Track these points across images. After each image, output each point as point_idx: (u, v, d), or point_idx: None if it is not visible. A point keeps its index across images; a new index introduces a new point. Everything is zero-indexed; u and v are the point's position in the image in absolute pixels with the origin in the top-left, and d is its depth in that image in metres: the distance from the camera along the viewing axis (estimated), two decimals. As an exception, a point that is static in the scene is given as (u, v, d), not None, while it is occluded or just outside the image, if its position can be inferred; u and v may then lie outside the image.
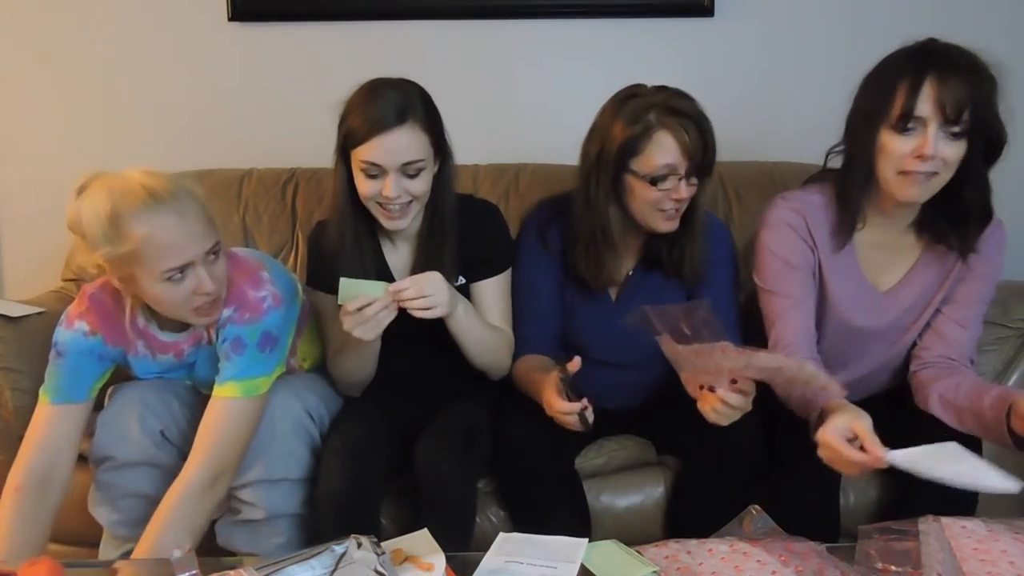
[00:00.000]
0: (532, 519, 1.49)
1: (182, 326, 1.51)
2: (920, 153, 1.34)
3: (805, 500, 1.46)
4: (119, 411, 1.54)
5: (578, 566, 1.14)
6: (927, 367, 1.55)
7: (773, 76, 2.28)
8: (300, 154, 2.19)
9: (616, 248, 1.59)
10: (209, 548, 1.53)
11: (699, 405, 1.30)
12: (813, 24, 2.26)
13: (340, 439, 1.52)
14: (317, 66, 2.29)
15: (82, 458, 1.54)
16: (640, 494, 1.67)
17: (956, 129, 1.34)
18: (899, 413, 1.53)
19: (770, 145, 2.20)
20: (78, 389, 1.49)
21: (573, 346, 1.65)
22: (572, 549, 1.18)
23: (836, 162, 1.53)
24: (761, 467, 1.50)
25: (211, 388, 1.48)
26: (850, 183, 1.46)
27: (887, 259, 1.54)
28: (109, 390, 1.59)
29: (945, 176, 1.38)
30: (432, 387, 1.68)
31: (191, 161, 2.18)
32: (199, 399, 1.60)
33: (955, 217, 1.45)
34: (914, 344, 1.59)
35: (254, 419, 1.47)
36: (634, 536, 1.33)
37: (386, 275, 1.64)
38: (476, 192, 2.03)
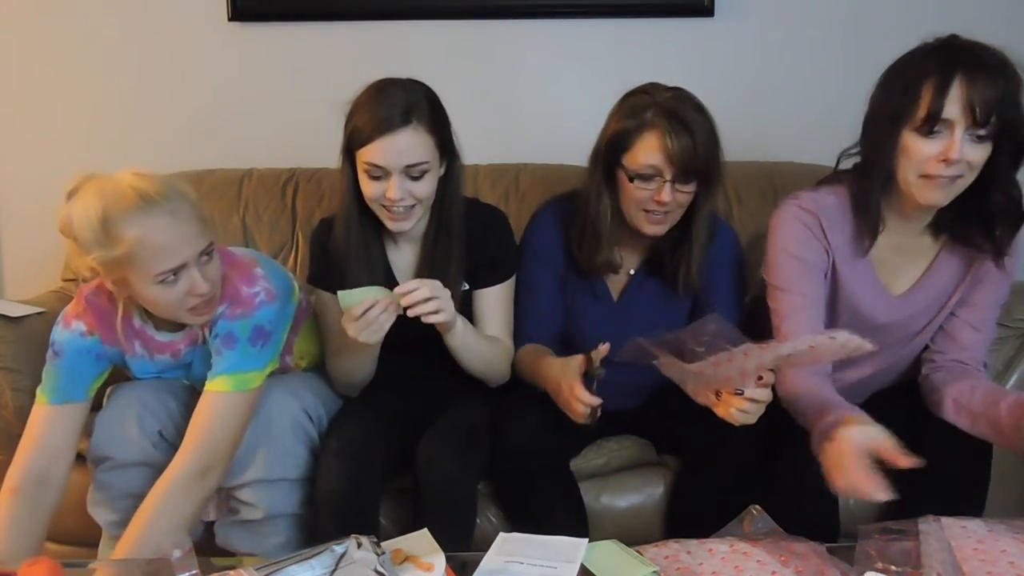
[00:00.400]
0: (528, 521, 1.48)
1: (178, 326, 1.51)
2: (946, 157, 1.29)
3: (805, 500, 1.45)
4: (117, 411, 1.53)
5: (578, 566, 1.14)
6: (940, 370, 1.53)
7: (773, 76, 2.28)
8: (300, 154, 2.19)
9: (602, 240, 1.59)
10: (209, 549, 1.53)
11: (718, 411, 1.29)
12: (813, 24, 2.26)
13: (338, 439, 1.52)
14: (317, 66, 2.29)
15: (81, 458, 1.54)
16: (640, 494, 1.67)
17: (982, 132, 1.29)
18: (906, 415, 1.53)
19: (770, 145, 2.20)
20: (76, 389, 1.49)
21: (574, 346, 1.65)
22: (572, 549, 1.18)
23: (848, 164, 1.50)
24: (761, 467, 1.50)
25: None
26: (869, 187, 1.41)
27: (902, 262, 1.52)
28: (108, 390, 1.59)
29: (969, 179, 1.34)
30: (431, 387, 1.68)
31: (191, 161, 2.19)
32: (196, 399, 1.60)
33: (982, 219, 1.41)
34: (925, 346, 1.58)
35: (245, 414, 1.46)
36: (634, 536, 1.33)
37: (390, 276, 1.64)
38: (476, 192, 2.03)
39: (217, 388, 1.44)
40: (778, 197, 1.89)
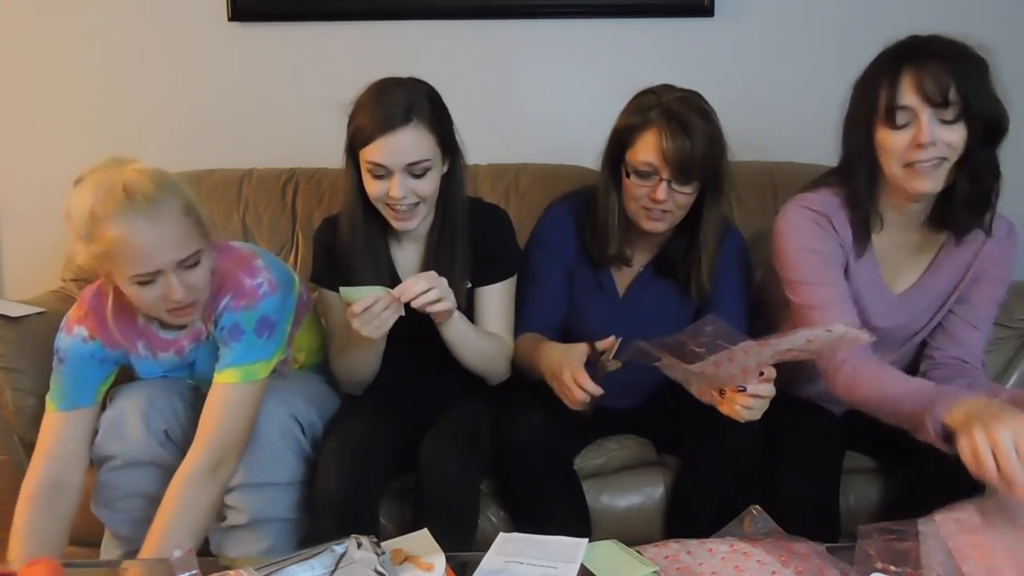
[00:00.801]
0: (532, 520, 1.49)
1: (199, 314, 1.51)
2: (919, 142, 1.34)
3: (805, 500, 1.46)
4: (121, 410, 1.53)
5: (578, 566, 1.14)
6: (939, 368, 1.54)
7: (773, 76, 2.28)
8: (300, 154, 2.20)
9: (610, 234, 1.60)
10: (208, 552, 1.53)
11: (722, 409, 1.30)
12: (813, 24, 2.26)
13: (338, 440, 1.52)
14: (317, 66, 2.29)
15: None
16: (640, 494, 1.67)
17: (949, 115, 1.34)
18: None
19: (770, 145, 2.20)
20: (83, 394, 1.50)
21: (577, 340, 1.65)
22: (572, 549, 1.18)
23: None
24: (761, 467, 1.50)
25: None
26: (856, 186, 1.45)
27: (904, 261, 1.53)
28: (111, 391, 1.58)
29: (952, 162, 1.37)
30: (433, 387, 1.68)
31: (191, 161, 2.18)
32: (201, 400, 1.59)
33: (964, 201, 1.43)
34: (923, 344, 1.58)
35: (254, 404, 1.47)
36: (634, 536, 1.33)
37: (394, 275, 1.64)
38: (476, 192, 2.03)
39: (226, 380, 1.45)
40: (778, 197, 1.90)
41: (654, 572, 1.13)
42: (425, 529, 1.22)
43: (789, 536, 1.20)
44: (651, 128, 1.49)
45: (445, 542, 1.17)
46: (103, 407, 1.55)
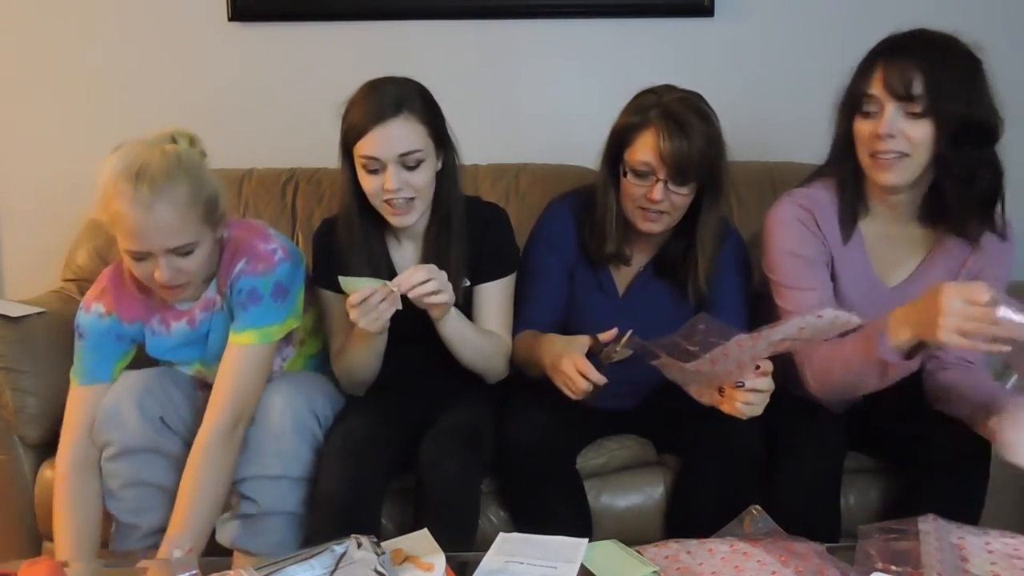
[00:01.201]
0: (534, 519, 1.49)
1: (195, 295, 1.57)
2: (877, 132, 1.37)
3: (805, 500, 1.46)
4: (117, 396, 1.55)
5: (578, 566, 1.14)
6: (944, 369, 1.53)
7: (773, 76, 2.28)
8: (300, 154, 2.20)
9: (608, 233, 1.61)
10: (209, 547, 1.53)
11: (724, 408, 1.30)
12: (813, 24, 2.26)
13: (341, 439, 1.52)
14: (317, 66, 2.29)
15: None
16: (640, 494, 1.67)
17: (915, 109, 1.35)
18: (907, 413, 1.53)
19: (770, 145, 2.20)
20: (102, 369, 1.57)
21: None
22: (572, 549, 1.18)
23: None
24: (761, 467, 1.50)
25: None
26: (843, 171, 1.49)
27: (897, 254, 1.54)
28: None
29: (918, 158, 1.38)
30: (434, 387, 1.67)
31: (191, 161, 2.18)
32: (199, 392, 1.63)
33: (953, 201, 1.43)
34: None
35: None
36: (634, 536, 1.33)
37: (393, 274, 1.64)
38: (476, 192, 2.02)
39: (244, 341, 1.51)
40: (778, 197, 1.89)
41: (654, 572, 1.13)
42: (425, 529, 1.22)
43: (789, 536, 1.20)
44: (649, 128, 1.49)
45: (445, 542, 1.17)
46: None
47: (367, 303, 1.41)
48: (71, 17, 2.29)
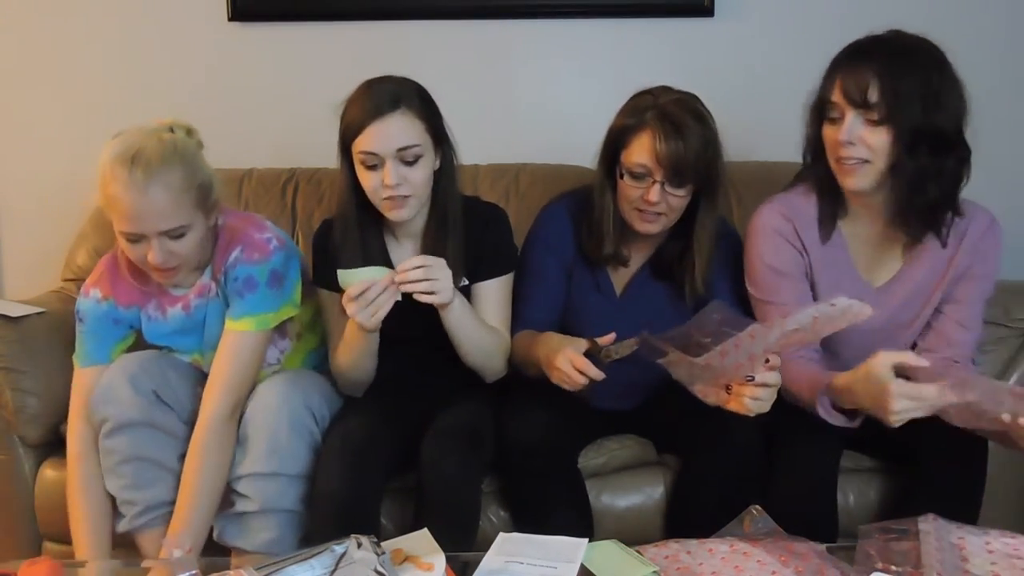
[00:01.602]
0: (535, 518, 1.49)
1: (190, 281, 1.60)
2: (838, 139, 1.39)
3: (805, 500, 1.46)
4: (111, 374, 1.56)
5: (578, 566, 1.14)
6: None
7: (773, 76, 2.27)
8: (300, 154, 2.19)
9: (605, 234, 1.61)
10: (207, 547, 1.53)
11: (730, 406, 1.29)
12: (813, 24, 2.25)
13: (340, 439, 1.52)
14: (317, 66, 2.29)
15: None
16: (640, 494, 1.66)
17: (873, 116, 1.37)
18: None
19: (770, 145, 2.19)
20: (100, 352, 1.61)
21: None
22: (572, 549, 1.18)
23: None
24: (761, 467, 1.50)
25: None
26: (817, 173, 1.51)
27: (879, 254, 1.55)
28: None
29: (879, 164, 1.40)
30: (433, 386, 1.68)
31: (191, 161, 2.18)
32: (195, 376, 1.64)
33: (914, 206, 1.44)
34: (914, 345, 1.59)
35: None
36: (634, 536, 1.33)
37: None
38: (476, 192, 2.02)
39: (240, 328, 1.55)
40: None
41: (654, 572, 1.13)
42: (425, 529, 1.22)
43: (789, 536, 1.20)
44: (645, 129, 1.49)
45: (445, 542, 1.18)
46: None
47: (365, 296, 1.41)
48: (71, 17, 2.29)
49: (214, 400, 1.52)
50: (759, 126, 2.23)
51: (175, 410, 1.58)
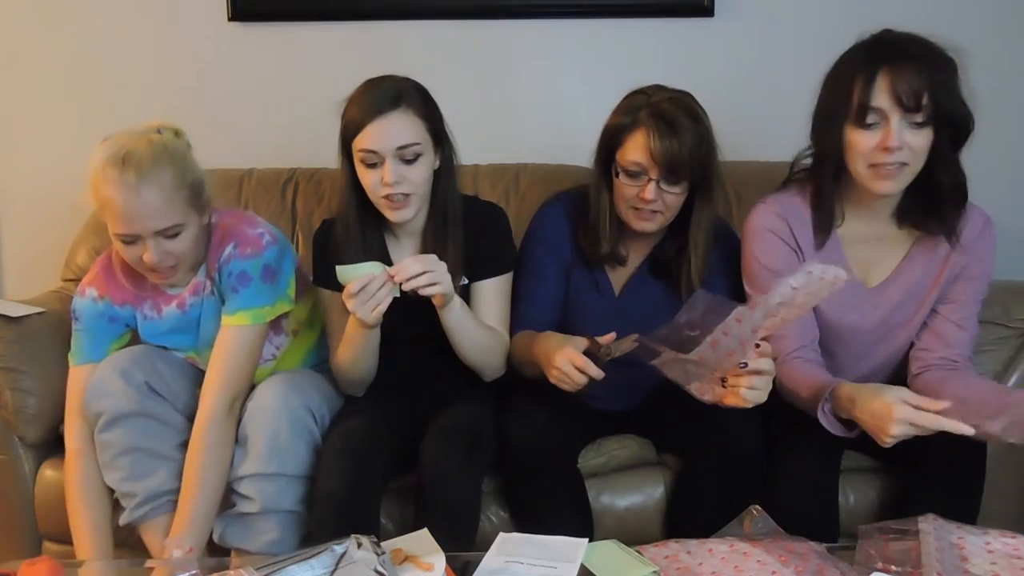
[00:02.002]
0: (535, 518, 1.49)
1: (185, 279, 1.61)
2: (886, 145, 1.36)
3: (805, 500, 1.46)
4: (102, 370, 1.57)
5: (578, 566, 1.14)
6: (930, 369, 1.53)
7: (773, 76, 2.28)
8: (300, 154, 2.19)
9: (603, 233, 1.61)
10: (207, 547, 1.53)
11: (727, 401, 1.28)
12: (813, 24, 2.25)
13: (340, 439, 1.52)
14: (317, 66, 2.29)
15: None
16: (640, 494, 1.66)
17: (919, 119, 1.35)
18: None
19: (770, 145, 2.18)
20: (96, 350, 1.62)
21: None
22: (572, 549, 1.18)
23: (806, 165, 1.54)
24: (761, 467, 1.50)
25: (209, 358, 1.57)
26: (822, 181, 1.49)
27: (875, 254, 1.54)
28: None
29: (916, 165, 1.39)
30: (433, 387, 1.68)
31: (191, 161, 2.18)
32: (191, 373, 1.65)
33: (932, 203, 1.46)
34: (911, 345, 1.58)
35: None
36: (634, 536, 1.33)
37: None
38: (476, 192, 2.03)
39: (237, 322, 1.56)
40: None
41: (654, 572, 1.13)
42: (425, 529, 1.22)
43: (789, 536, 1.20)
44: (640, 128, 1.50)
45: (445, 542, 1.18)
46: None
47: (365, 291, 1.41)
48: (71, 17, 2.28)
49: (212, 395, 1.52)
50: (759, 126, 2.23)
51: (168, 400, 1.59)
